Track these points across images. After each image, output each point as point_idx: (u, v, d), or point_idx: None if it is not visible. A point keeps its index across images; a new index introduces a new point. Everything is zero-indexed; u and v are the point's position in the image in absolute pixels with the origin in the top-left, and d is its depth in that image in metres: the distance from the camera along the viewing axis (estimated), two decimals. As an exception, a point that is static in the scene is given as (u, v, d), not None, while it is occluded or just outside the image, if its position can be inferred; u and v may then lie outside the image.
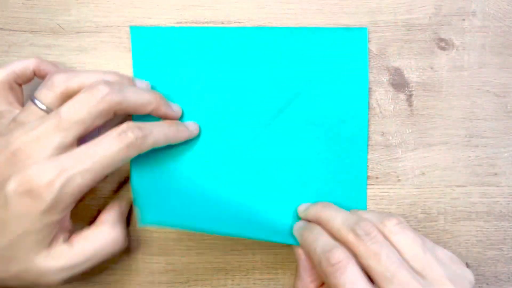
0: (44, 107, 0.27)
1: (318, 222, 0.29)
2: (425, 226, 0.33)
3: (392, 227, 0.26)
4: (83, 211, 0.33)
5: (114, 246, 0.29)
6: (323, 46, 0.33)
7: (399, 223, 0.27)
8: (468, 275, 0.26)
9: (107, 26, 0.33)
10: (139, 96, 0.28)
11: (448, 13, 0.34)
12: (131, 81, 0.30)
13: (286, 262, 0.33)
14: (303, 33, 0.33)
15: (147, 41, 0.32)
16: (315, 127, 0.32)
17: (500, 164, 0.33)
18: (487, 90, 0.34)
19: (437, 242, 0.33)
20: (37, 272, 0.26)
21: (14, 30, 0.34)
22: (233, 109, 0.32)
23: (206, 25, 0.33)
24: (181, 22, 0.33)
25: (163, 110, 0.30)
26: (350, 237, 0.26)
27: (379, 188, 0.33)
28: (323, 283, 0.29)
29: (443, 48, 0.34)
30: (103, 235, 0.29)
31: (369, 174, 0.33)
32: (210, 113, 0.32)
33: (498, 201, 0.33)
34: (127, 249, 0.33)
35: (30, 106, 0.28)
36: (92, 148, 0.26)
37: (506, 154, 0.33)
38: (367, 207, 0.33)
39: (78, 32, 0.33)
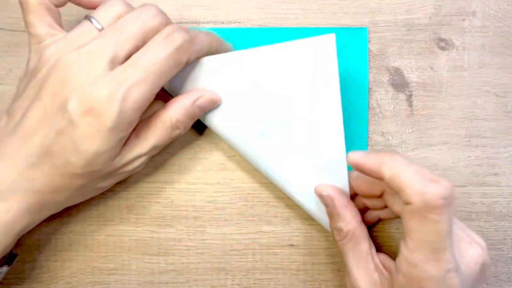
0: (100, 27, 0.27)
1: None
2: (425, 226, 0.33)
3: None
4: (84, 211, 0.33)
5: (172, 131, 0.29)
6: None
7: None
8: None
9: (107, 26, 0.33)
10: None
11: (448, 13, 0.34)
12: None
13: (286, 262, 0.33)
14: (304, 34, 0.33)
15: None
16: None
17: (500, 164, 0.33)
18: (487, 90, 0.34)
19: (437, 242, 0.33)
20: (119, 168, 0.28)
21: (14, 30, 0.34)
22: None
23: (206, 25, 0.33)
24: (181, 22, 0.33)
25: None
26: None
27: (379, 188, 0.33)
28: (363, 219, 0.29)
29: (443, 48, 0.34)
30: (162, 119, 0.29)
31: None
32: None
33: (498, 201, 0.33)
34: (127, 249, 0.33)
35: (85, 24, 0.27)
36: (142, 57, 0.26)
37: (506, 154, 0.33)
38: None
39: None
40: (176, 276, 0.33)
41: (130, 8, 0.28)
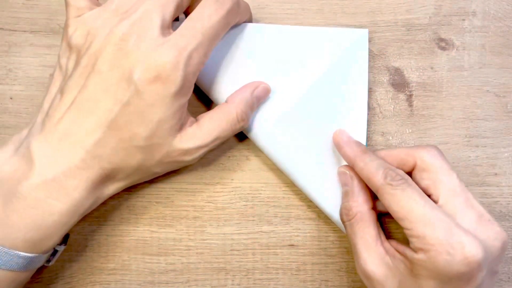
0: None
1: (354, 165, 0.30)
2: (425, 226, 0.33)
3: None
4: (83, 211, 0.33)
5: (237, 122, 0.29)
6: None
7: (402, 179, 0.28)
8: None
9: (107, 26, 0.33)
10: None
11: (448, 13, 0.34)
12: None
13: (286, 262, 0.33)
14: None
15: None
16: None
17: (500, 164, 0.33)
18: (487, 90, 0.34)
19: (437, 242, 0.33)
20: (177, 154, 0.28)
21: (14, 30, 0.34)
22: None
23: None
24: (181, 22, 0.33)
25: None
26: (388, 180, 0.27)
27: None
28: (374, 206, 0.30)
29: (443, 48, 0.34)
30: (227, 111, 0.29)
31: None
32: None
33: (498, 201, 0.33)
34: (127, 249, 0.33)
35: None
36: (197, 21, 0.27)
37: (506, 154, 0.33)
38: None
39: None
40: (176, 276, 0.33)
41: None
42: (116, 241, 0.33)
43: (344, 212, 0.29)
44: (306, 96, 0.32)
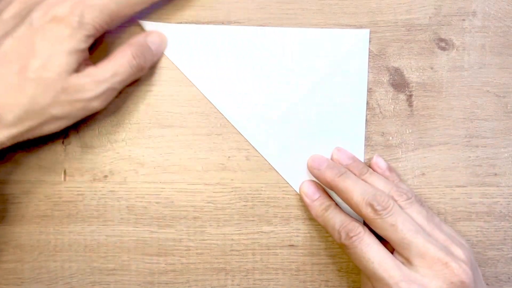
0: None
1: (333, 190, 0.30)
2: (425, 226, 0.33)
3: (401, 202, 0.29)
4: (83, 211, 0.33)
5: (133, 58, 0.30)
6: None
7: (407, 199, 0.29)
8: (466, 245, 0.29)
9: (107, 26, 0.33)
10: None
11: (448, 13, 0.34)
12: None
13: (286, 262, 0.33)
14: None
15: None
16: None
17: (500, 164, 0.33)
18: (487, 90, 0.34)
19: (437, 242, 0.33)
20: (74, 90, 0.28)
21: (14, 30, 0.34)
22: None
23: (206, 25, 0.33)
24: (181, 22, 0.33)
25: None
26: (368, 212, 0.28)
27: (379, 188, 0.33)
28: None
29: (443, 48, 0.34)
30: (121, 50, 0.30)
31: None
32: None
33: (498, 201, 0.33)
34: (127, 249, 0.33)
35: None
36: None
37: (506, 154, 0.33)
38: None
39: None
40: (176, 276, 0.33)
41: None
42: (116, 241, 0.33)
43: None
44: (305, 98, 0.32)
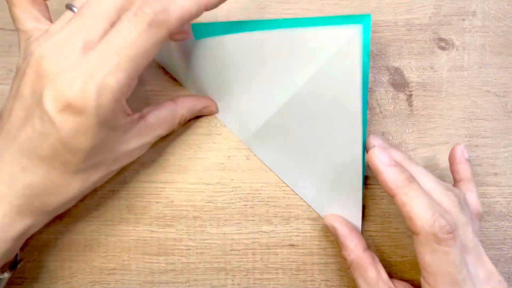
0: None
1: (394, 196, 0.25)
2: (425, 226, 0.33)
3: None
4: (84, 211, 0.33)
5: (178, 124, 0.31)
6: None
7: (455, 206, 0.26)
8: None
9: (107, 26, 0.33)
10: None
11: (448, 13, 0.34)
12: None
13: (286, 262, 0.33)
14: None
15: None
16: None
17: (500, 164, 0.33)
18: (487, 90, 0.34)
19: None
20: (126, 153, 0.28)
21: (14, 30, 0.34)
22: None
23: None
24: (181, 22, 0.33)
25: None
26: (431, 236, 0.24)
27: (379, 188, 0.33)
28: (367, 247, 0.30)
29: (443, 48, 0.34)
30: (173, 112, 0.30)
31: (369, 174, 0.33)
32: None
33: (498, 201, 0.33)
34: (127, 249, 0.33)
35: (66, 13, 0.25)
36: (112, 39, 0.23)
37: (506, 154, 0.33)
38: (366, 206, 0.33)
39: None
40: (176, 276, 0.33)
41: None
42: (116, 241, 0.33)
43: (344, 261, 0.30)
44: (294, 100, 0.31)
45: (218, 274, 0.33)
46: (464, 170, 0.30)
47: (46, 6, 0.28)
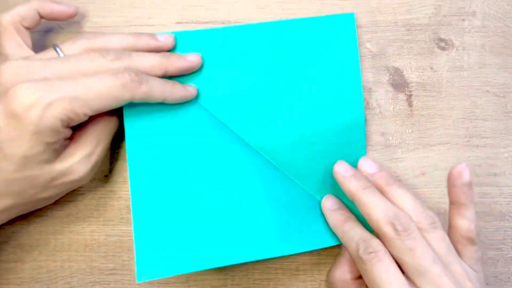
0: (62, 55, 0.28)
1: (354, 201, 0.29)
2: (425, 226, 0.33)
3: (426, 225, 0.27)
4: (83, 211, 0.33)
5: (113, 124, 0.30)
6: (311, 36, 0.32)
7: (432, 223, 0.27)
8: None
9: (107, 26, 0.33)
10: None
11: (448, 13, 0.34)
12: (153, 38, 0.30)
13: (286, 262, 0.33)
14: (291, 25, 0.32)
15: None
16: (312, 123, 0.32)
17: (500, 164, 0.33)
18: (487, 90, 0.34)
19: (437, 242, 0.33)
20: (62, 174, 0.28)
21: None
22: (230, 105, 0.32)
23: (206, 25, 0.33)
24: (181, 22, 0.33)
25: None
26: (388, 230, 0.26)
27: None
28: (358, 277, 0.29)
29: (443, 48, 0.34)
30: (102, 120, 0.29)
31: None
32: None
33: (498, 201, 0.33)
34: (127, 249, 0.33)
35: (50, 51, 0.28)
36: (88, 78, 0.26)
37: (506, 154, 0.33)
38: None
39: (78, 32, 0.33)
40: (176, 276, 0.33)
41: (97, 37, 0.29)
42: (116, 241, 0.33)
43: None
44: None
45: (218, 274, 0.33)
46: (456, 194, 0.28)
47: (29, 36, 0.30)
